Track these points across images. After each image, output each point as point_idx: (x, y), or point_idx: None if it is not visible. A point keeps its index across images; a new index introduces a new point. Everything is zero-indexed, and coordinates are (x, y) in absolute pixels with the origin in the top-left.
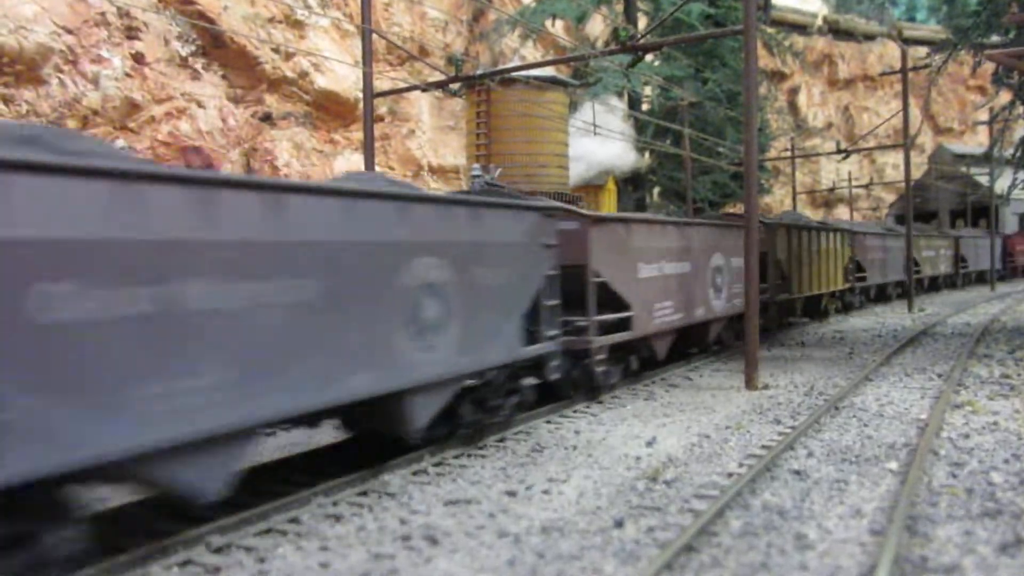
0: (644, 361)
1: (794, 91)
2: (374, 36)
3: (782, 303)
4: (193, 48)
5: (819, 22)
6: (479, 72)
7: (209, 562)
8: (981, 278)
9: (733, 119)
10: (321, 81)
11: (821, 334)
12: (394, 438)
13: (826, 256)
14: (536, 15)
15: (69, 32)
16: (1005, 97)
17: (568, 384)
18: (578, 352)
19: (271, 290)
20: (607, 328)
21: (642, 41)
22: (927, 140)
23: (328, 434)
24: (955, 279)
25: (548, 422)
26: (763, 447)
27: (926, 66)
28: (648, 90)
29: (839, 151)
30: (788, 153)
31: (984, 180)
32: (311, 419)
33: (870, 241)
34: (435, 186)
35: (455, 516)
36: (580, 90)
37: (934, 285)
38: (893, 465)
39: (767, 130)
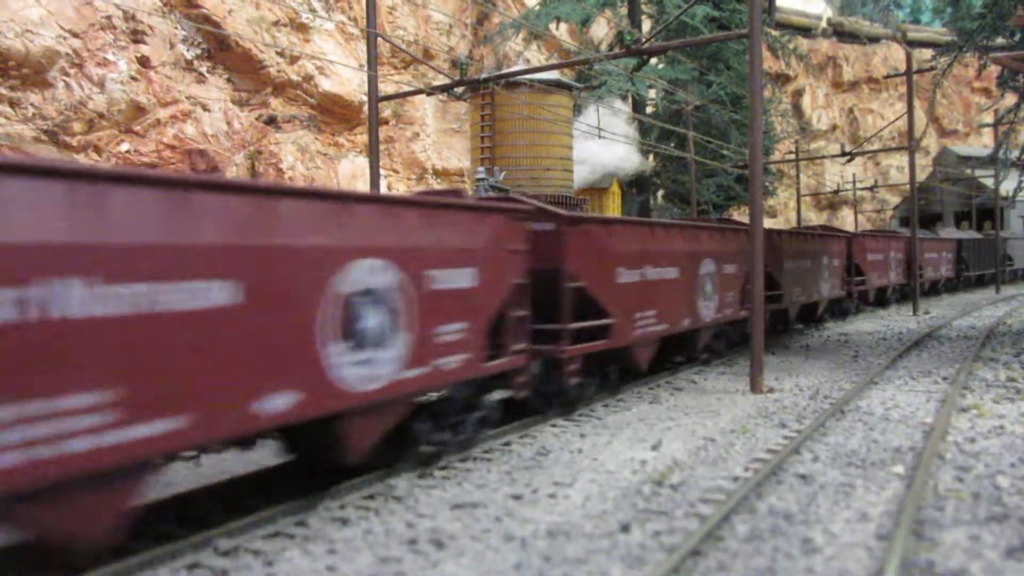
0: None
1: (798, 93)
2: (378, 39)
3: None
4: (198, 51)
5: (823, 24)
6: (483, 75)
7: (217, 565)
8: None
9: (737, 122)
10: (326, 84)
11: (826, 337)
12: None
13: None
14: (540, 18)
15: (75, 36)
16: (1010, 99)
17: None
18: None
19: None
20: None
21: (647, 44)
22: (932, 142)
23: None
24: None
25: (553, 426)
26: (769, 451)
27: (931, 68)
28: (652, 93)
29: (843, 154)
30: (792, 156)
31: (989, 182)
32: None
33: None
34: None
35: (461, 520)
36: (584, 93)
37: None
38: (899, 469)
39: (771, 133)
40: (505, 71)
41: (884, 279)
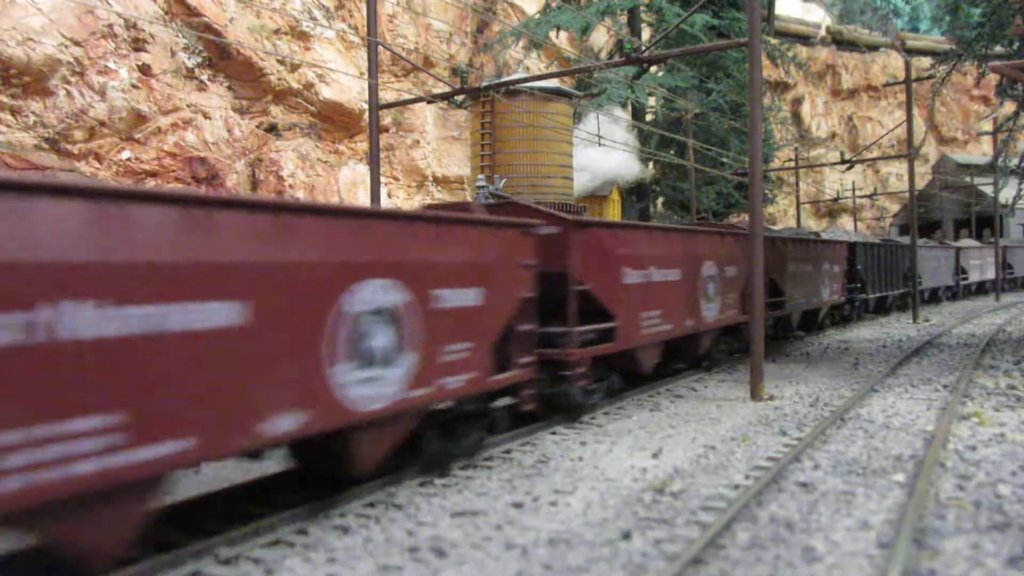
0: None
1: (798, 101)
2: (379, 47)
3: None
4: (199, 59)
5: (822, 33)
6: (484, 83)
7: (217, 573)
8: None
9: (737, 129)
10: (326, 92)
11: (826, 345)
12: None
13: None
14: (540, 26)
15: (76, 44)
16: (1009, 107)
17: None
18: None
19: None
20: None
21: (646, 53)
22: (931, 150)
23: None
24: None
25: (553, 433)
26: (769, 459)
27: (930, 77)
28: (652, 101)
29: (843, 161)
30: (792, 163)
31: (988, 190)
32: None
33: None
34: (439, 197)
35: (462, 528)
36: (584, 101)
37: None
38: (900, 477)
39: (771, 140)
40: (505, 79)
41: (679, 319)
